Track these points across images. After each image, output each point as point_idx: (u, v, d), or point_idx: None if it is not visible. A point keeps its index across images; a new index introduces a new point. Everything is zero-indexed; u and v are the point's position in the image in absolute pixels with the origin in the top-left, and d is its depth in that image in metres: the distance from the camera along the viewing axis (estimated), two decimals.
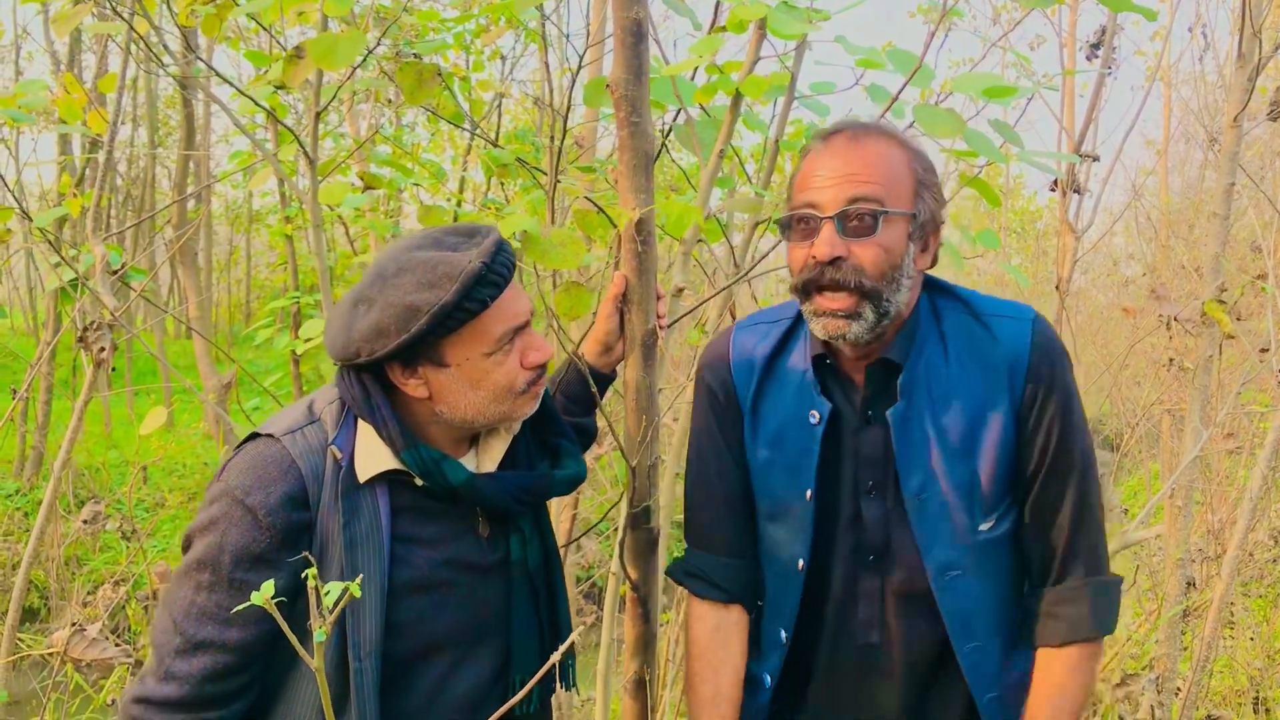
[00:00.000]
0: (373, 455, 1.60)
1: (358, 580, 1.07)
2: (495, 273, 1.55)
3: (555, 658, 1.17)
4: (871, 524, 1.80)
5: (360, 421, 1.62)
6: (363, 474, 1.59)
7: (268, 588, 1.04)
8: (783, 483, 1.83)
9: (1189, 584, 3.54)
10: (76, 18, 1.91)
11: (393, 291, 1.53)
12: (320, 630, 1.04)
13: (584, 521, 6.69)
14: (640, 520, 1.90)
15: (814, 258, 1.66)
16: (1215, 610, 3.42)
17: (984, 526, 1.75)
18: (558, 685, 1.85)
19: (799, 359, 1.85)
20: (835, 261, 1.65)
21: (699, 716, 1.89)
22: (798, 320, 1.88)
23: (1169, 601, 3.54)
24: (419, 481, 1.61)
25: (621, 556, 1.98)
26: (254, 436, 1.62)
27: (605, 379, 2.05)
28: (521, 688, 1.74)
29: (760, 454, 1.86)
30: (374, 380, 1.61)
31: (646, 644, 1.91)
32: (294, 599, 1.55)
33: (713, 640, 1.91)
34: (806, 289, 1.70)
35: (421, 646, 1.64)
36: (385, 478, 1.61)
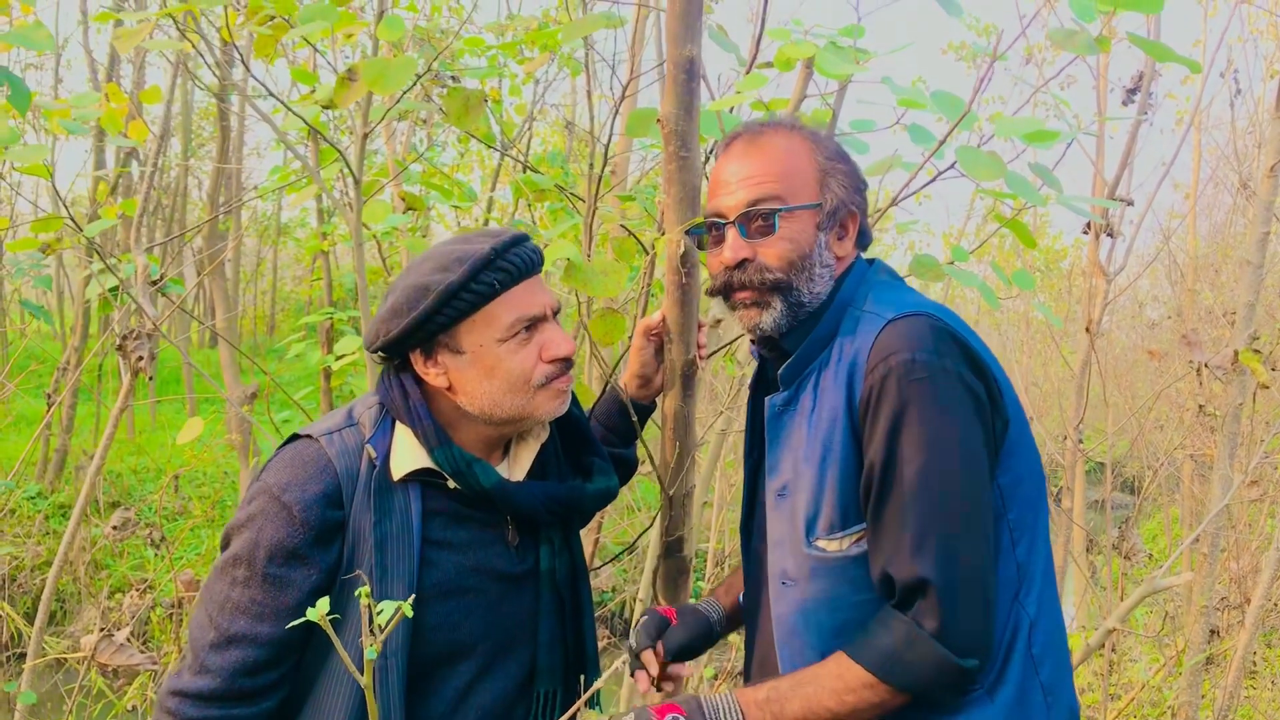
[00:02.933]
0: (407, 455, 1.65)
1: (410, 600, 1.09)
2: (507, 260, 1.61)
3: (597, 684, 1.18)
4: (753, 498, 1.86)
5: (398, 425, 1.67)
6: (396, 472, 1.63)
7: (323, 604, 1.07)
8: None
9: (1213, 632, 3.52)
10: (139, 35, 1.96)
11: (411, 275, 1.63)
12: (371, 648, 1.06)
13: (603, 549, 6.69)
14: (673, 549, 1.92)
15: (723, 263, 1.72)
16: (1239, 659, 3.40)
17: (822, 544, 1.63)
18: (582, 706, 1.86)
19: None
20: (741, 264, 1.71)
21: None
22: None
23: (1191, 649, 3.52)
24: (451, 485, 1.65)
25: (655, 584, 2.00)
26: (295, 438, 1.68)
27: (645, 410, 2.08)
28: (546, 701, 1.77)
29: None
30: (411, 380, 1.67)
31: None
32: (326, 594, 1.57)
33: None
34: (722, 291, 1.76)
35: (447, 652, 1.67)
36: (419, 481, 1.65)
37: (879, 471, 1.55)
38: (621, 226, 2.60)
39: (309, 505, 1.57)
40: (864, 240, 1.80)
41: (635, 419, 1.97)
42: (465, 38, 3.39)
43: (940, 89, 2.16)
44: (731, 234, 1.71)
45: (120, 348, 3.14)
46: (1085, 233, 3.94)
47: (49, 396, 3.65)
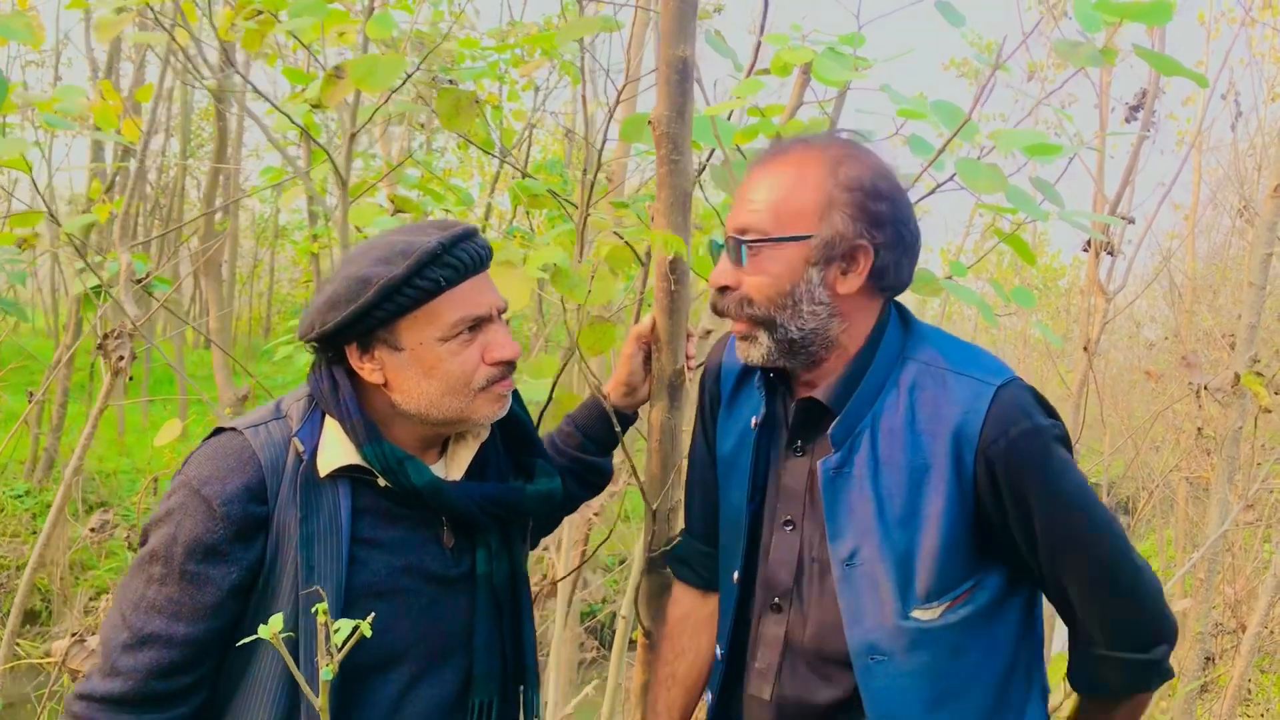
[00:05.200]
0: (335, 449, 1.58)
1: (369, 619, 1.04)
2: (454, 256, 1.54)
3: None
4: (776, 563, 1.70)
5: (327, 418, 1.60)
6: (324, 468, 1.56)
7: (275, 622, 1.01)
8: (733, 486, 1.78)
9: (1207, 659, 3.48)
10: (118, 25, 1.91)
11: (352, 266, 1.55)
12: (328, 669, 1.01)
13: (596, 559, 6.64)
14: (657, 564, 1.86)
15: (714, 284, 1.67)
16: (1234, 687, 3.35)
17: (920, 613, 1.57)
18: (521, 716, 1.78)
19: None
20: (723, 290, 1.64)
21: (651, 693, 1.87)
22: None
23: (1185, 676, 3.47)
24: (382, 482, 1.58)
25: (635, 600, 1.94)
26: (219, 431, 1.60)
27: (627, 419, 2.02)
28: (482, 711, 1.69)
29: (722, 452, 1.81)
30: (343, 373, 1.59)
31: None
32: (248, 594, 1.53)
33: (682, 625, 1.89)
34: (719, 314, 1.69)
35: (378, 658, 1.59)
36: (348, 477, 1.58)
37: (1045, 537, 1.55)
38: (614, 234, 2.55)
39: (230, 499, 1.50)
40: (884, 279, 1.63)
41: (618, 428, 1.91)
42: (460, 39, 3.34)
43: (940, 99, 2.11)
44: (722, 257, 1.65)
45: (101, 347, 3.08)
46: (1085, 250, 3.89)
47: (30, 394, 3.58)
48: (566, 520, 3.73)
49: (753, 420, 1.74)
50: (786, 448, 1.71)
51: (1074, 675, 1.69)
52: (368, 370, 1.58)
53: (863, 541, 1.59)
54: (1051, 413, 1.59)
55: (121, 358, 3.17)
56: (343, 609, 1.52)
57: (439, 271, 1.53)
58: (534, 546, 1.99)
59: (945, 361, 1.61)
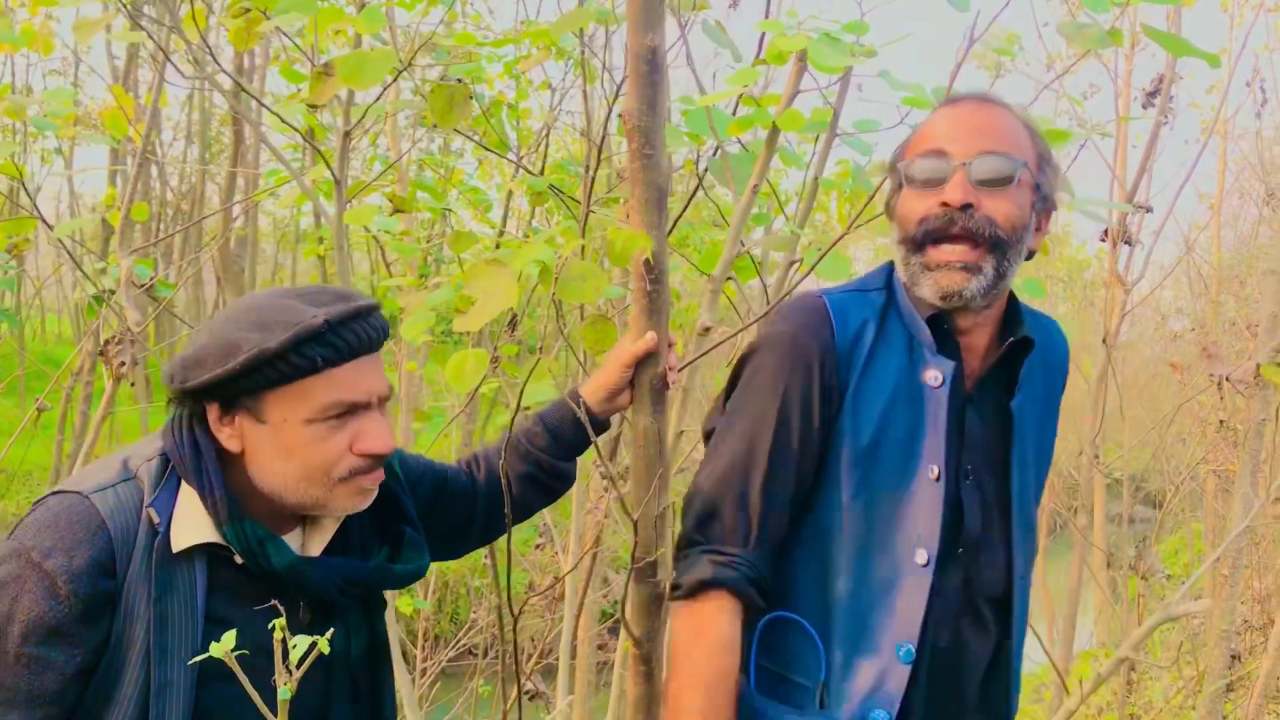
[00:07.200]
0: (192, 524, 1.42)
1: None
2: (339, 336, 1.40)
3: None
4: (969, 514, 1.65)
5: (183, 486, 1.44)
6: (178, 544, 1.41)
7: (229, 639, 0.96)
8: (899, 459, 1.64)
9: (1234, 657, 3.39)
10: (99, 25, 1.87)
11: (228, 325, 1.40)
12: None
13: (616, 559, 6.59)
14: (645, 574, 1.79)
15: (945, 203, 1.56)
16: (1261, 685, 3.27)
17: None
18: None
19: (897, 328, 1.68)
20: (966, 208, 1.56)
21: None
22: (888, 291, 1.72)
23: (1211, 675, 3.38)
24: (239, 559, 1.44)
25: (623, 611, 1.87)
26: (57, 494, 1.44)
27: (601, 425, 1.88)
28: None
29: (865, 427, 1.64)
30: (207, 438, 1.44)
31: (650, 705, 1.79)
32: (89, 676, 1.38)
33: (735, 640, 1.62)
34: (927, 239, 1.59)
35: None
36: (205, 551, 1.44)
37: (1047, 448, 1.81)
38: (615, 229, 2.49)
39: (77, 575, 1.34)
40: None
41: (593, 435, 1.82)
42: (456, 35, 3.30)
43: (941, 86, 2.05)
44: (959, 175, 1.56)
45: (103, 353, 3.06)
46: (1103, 240, 3.81)
47: (38, 402, 3.57)
48: (574, 519, 3.69)
49: (931, 378, 1.64)
50: (964, 400, 1.69)
51: None
52: (225, 435, 1.44)
53: (1025, 473, 1.72)
54: None
55: (123, 363, 3.15)
56: (194, 690, 1.40)
57: (318, 350, 1.38)
58: (484, 545, 1.89)
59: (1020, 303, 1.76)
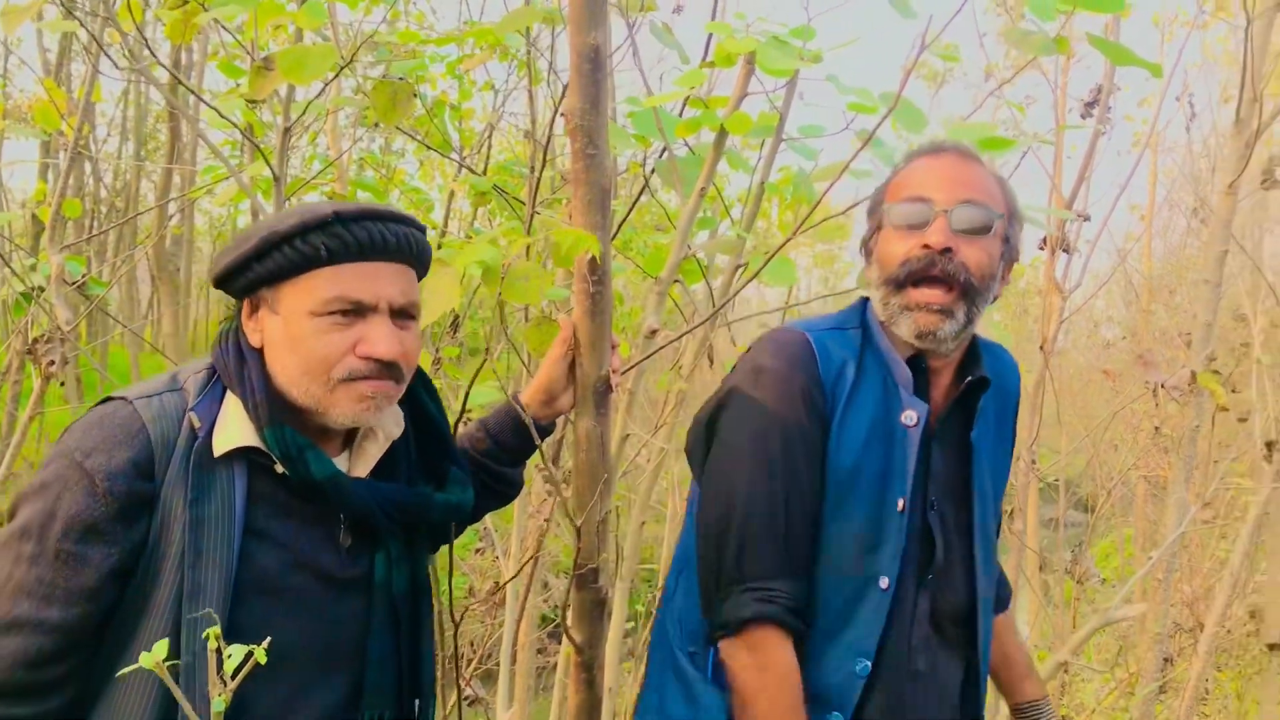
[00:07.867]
0: (234, 429, 1.45)
1: (265, 644, 0.95)
2: (347, 229, 1.44)
3: None
4: (939, 542, 1.78)
5: (228, 394, 1.48)
6: (219, 447, 1.43)
7: (159, 648, 0.93)
8: (871, 492, 1.73)
9: (1166, 660, 3.45)
10: (28, 12, 1.81)
11: (260, 221, 1.50)
12: (220, 699, 0.93)
13: (557, 563, 6.55)
14: (588, 580, 1.77)
15: (927, 245, 1.67)
16: (1192, 688, 3.33)
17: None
18: None
19: (874, 366, 1.79)
20: (946, 252, 1.67)
21: None
22: (863, 330, 1.82)
23: (1144, 677, 3.44)
24: (279, 469, 1.45)
25: (564, 618, 1.84)
26: (107, 400, 1.48)
27: (545, 430, 1.88)
28: None
29: (845, 461, 1.74)
30: (250, 347, 1.49)
31: (591, 712, 1.78)
32: (126, 578, 1.40)
33: (796, 668, 1.69)
34: (909, 280, 1.69)
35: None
36: (246, 460, 1.46)
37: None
38: (560, 229, 2.47)
39: (115, 474, 1.37)
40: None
41: (538, 440, 1.80)
42: (399, 32, 3.26)
43: (888, 92, 2.06)
44: (941, 221, 1.68)
45: (30, 351, 2.97)
46: (1041, 249, 3.86)
47: None
48: (516, 523, 3.65)
49: (907, 419, 1.75)
50: (939, 433, 1.81)
51: None
52: (250, 329, 1.49)
53: (985, 501, 1.83)
54: None
55: (53, 362, 3.06)
56: (230, 604, 1.40)
57: (321, 239, 1.42)
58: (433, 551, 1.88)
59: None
